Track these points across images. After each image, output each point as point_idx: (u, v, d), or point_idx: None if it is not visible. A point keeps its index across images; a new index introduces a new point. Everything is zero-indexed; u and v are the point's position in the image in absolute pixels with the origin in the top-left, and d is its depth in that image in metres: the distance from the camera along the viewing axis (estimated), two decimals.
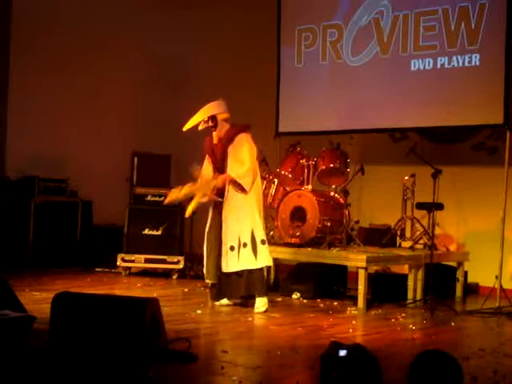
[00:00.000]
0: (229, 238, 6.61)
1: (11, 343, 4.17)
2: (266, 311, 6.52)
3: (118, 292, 7.26)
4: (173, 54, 11.04)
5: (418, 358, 2.94)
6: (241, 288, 6.64)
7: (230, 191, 6.67)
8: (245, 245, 6.56)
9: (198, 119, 6.75)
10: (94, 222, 9.88)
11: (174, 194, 6.67)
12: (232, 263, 6.56)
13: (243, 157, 6.67)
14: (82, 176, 9.74)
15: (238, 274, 6.60)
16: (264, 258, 6.60)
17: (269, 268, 6.99)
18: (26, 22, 9.69)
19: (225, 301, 6.78)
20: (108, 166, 10.09)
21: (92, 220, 9.84)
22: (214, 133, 6.85)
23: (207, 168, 6.85)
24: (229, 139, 6.76)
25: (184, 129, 6.78)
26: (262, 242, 6.62)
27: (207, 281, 6.89)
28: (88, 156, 10.11)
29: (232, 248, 6.57)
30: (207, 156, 6.90)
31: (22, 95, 9.68)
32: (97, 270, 8.96)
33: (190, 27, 11.05)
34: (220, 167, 6.77)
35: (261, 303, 6.57)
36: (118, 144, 10.21)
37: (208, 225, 6.84)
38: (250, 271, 6.57)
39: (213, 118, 6.78)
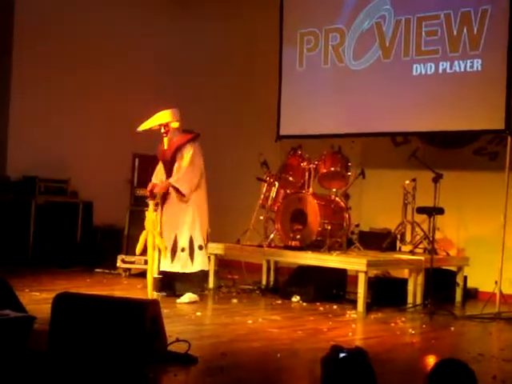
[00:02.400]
0: (165, 239, 7.01)
1: (11, 343, 4.17)
2: (189, 303, 6.91)
3: (118, 293, 7.25)
4: (174, 57, 11.05)
5: (437, 367, 2.94)
6: (176, 286, 7.16)
7: (171, 196, 7.11)
8: (183, 249, 7.05)
9: (151, 124, 7.20)
10: (95, 223, 9.88)
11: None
12: (165, 264, 7.04)
13: (184, 164, 7.09)
14: (83, 177, 9.75)
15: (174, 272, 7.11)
16: (200, 263, 7.10)
17: (206, 272, 7.44)
18: (28, 23, 9.70)
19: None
20: (109, 168, 10.09)
21: (92, 221, 9.84)
22: (165, 139, 7.22)
23: (160, 171, 7.33)
24: (178, 148, 7.17)
25: (139, 129, 7.21)
26: (200, 247, 7.09)
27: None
28: (89, 157, 10.11)
29: (168, 249, 7.03)
30: (161, 164, 7.35)
31: (23, 96, 9.68)
32: (97, 270, 8.96)
33: (191, 30, 11.05)
34: (169, 171, 7.20)
35: (187, 297, 7.01)
36: (119, 145, 10.20)
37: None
38: (184, 273, 7.07)
39: (165, 125, 7.19)
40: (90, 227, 9.75)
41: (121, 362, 4.25)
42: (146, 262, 8.55)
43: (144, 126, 7.18)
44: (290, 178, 7.94)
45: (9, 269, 8.15)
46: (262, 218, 8.09)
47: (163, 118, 7.19)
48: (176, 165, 7.11)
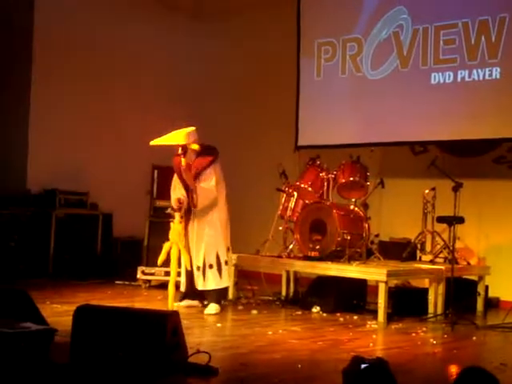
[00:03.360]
0: (195, 257, 7.12)
1: (33, 356, 4.19)
2: (216, 314, 6.99)
3: (138, 305, 7.28)
4: (191, 69, 11.10)
5: (462, 375, 2.92)
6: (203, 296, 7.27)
7: (197, 215, 7.14)
8: (210, 266, 7.12)
9: (167, 141, 7.09)
10: (115, 235, 9.92)
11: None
12: (199, 283, 7.14)
13: (208, 187, 7.10)
14: (103, 189, 9.79)
15: None
16: (227, 277, 7.29)
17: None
18: (48, 38, 9.76)
19: (186, 302, 7.32)
20: (128, 179, 10.13)
21: (112, 233, 9.89)
22: (183, 159, 7.08)
23: (178, 184, 7.23)
24: (198, 172, 7.12)
25: (152, 143, 7.11)
26: (225, 262, 7.21)
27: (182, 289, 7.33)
28: (108, 169, 10.16)
29: (198, 268, 7.11)
30: (176, 176, 7.25)
31: (43, 109, 9.75)
32: (117, 282, 8.98)
33: (206, 41, 11.09)
34: (187, 188, 7.13)
35: (213, 307, 7.07)
36: (139, 157, 10.23)
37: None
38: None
39: (182, 146, 7.08)
40: (109, 239, 9.79)
41: (141, 373, 4.26)
42: (166, 274, 8.61)
43: (158, 142, 7.11)
44: (309, 189, 7.93)
45: (30, 281, 8.20)
46: (281, 228, 8.08)
47: (180, 138, 7.08)
48: (199, 184, 7.07)
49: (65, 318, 5.38)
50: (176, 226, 6.97)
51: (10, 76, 9.86)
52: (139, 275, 8.77)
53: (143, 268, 8.79)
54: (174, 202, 7.14)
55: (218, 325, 6.42)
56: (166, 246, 6.95)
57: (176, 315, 4.60)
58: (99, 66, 10.28)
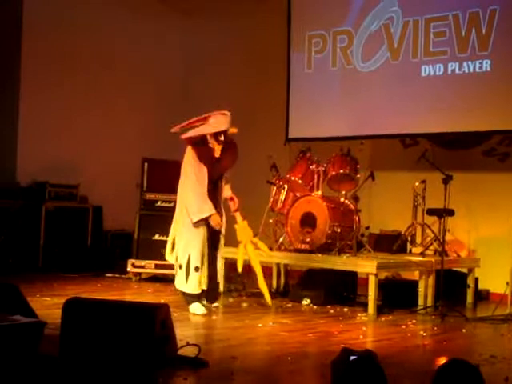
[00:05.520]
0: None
1: (22, 349, 4.18)
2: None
3: (129, 298, 7.26)
4: (183, 61, 11.08)
5: (443, 368, 2.93)
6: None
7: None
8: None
9: (203, 131, 6.67)
10: (105, 228, 9.91)
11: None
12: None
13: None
14: (93, 182, 9.78)
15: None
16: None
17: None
18: (37, 28, 9.74)
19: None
20: (118, 172, 10.11)
21: (102, 226, 9.87)
22: (219, 146, 6.71)
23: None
24: (231, 161, 6.82)
25: (182, 136, 6.78)
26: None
27: (202, 287, 6.77)
28: (98, 162, 10.14)
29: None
30: (203, 166, 6.65)
31: (32, 102, 9.72)
32: (107, 275, 8.96)
33: (198, 32, 11.07)
34: (215, 182, 6.76)
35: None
36: (128, 150, 10.23)
37: (203, 237, 6.70)
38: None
39: (224, 132, 6.69)
40: (100, 232, 9.77)
41: (131, 366, 4.25)
42: (155, 267, 8.61)
43: (190, 134, 6.66)
44: (300, 181, 7.93)
45: (19, 274, 8.18)
46: (271, 221, 8.09)
47: (223, 125, 6.62)
48: (223, 178, 6.87)
49: (54, 311, 5.37)
50: (241, 225, 6.83)
51: (0, 67, 9.81)
52: (129, 268, 8.76)
53: (133, 261, 8.77)
54: (214, 223, 6.59)
55: (210, 317, 6.40)
56: (240, 250, 6.84)
57: (165, 308, 4.59)
58: (90, 57, 10.24)
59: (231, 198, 6.93)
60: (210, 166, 6.67)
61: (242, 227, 6.84)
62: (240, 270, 6.89)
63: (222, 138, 6.65)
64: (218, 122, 6.67)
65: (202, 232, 6.62)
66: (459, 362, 2.94)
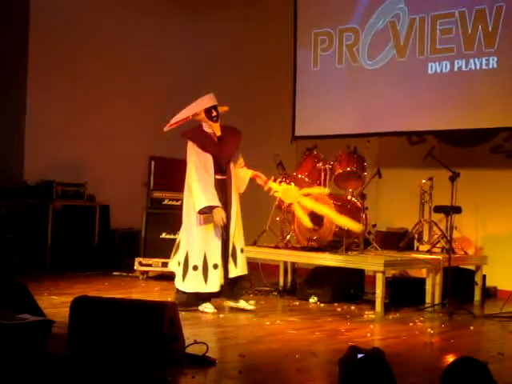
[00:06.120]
0: (238, 241, 6.61)
1: (30, 347, 4.19)
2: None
3: (136, 296, 7.27)
4: (187, 59, 11.08)
5: (452, 365, 2.93)
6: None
7: (237, 197, 6.69)
8: (242, 250, 6.61)
9: (194, 110, 6.56)
10: (112, 226, 9.92)
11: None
12: (232, 270, 6.57)
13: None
14: (100, 180, 9.79)
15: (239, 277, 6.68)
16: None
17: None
18: (45, 27, 9.77)
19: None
20: (125, 171, 10.13)
21: (109, 224, 9.88)
22: (216, 124, 6.57)
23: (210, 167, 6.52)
24: (236, 134, 6.73)
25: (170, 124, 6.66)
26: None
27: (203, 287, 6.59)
28: (105, 160, 10.15)
29: (242, 250, 6.62)
30: (206, 155, 6.54)
31: (39, 100, 9.74)
32: (114, 274, 8.97)
33: (203, 31, 11.07)
34: (225, 164, 6.62)
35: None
36: (135, 148, 10.25)
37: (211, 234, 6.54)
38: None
39: (214, 108, 6.57)
40: (107, 230, 9.79)
41: (139, 364, 4.26)
42: (162, 265, 8.62)
43: (182, 115, 6.58)
44: (306, 179, 7.92)
45: (27, 273, 8.20)
46: (278, 219, 8.09)
47: (209, 101, 6.56)
48: (235, 157, 6.71)
49: (62, 310, 5.39)
50: (282, 189, 6.65)
51: (7, 66, 9.84)
52: (136, 266, 8.77)
53: (140, 259, 8.78)
54: (218, 219, 6.37)
55: (218, 315, 6.41)
56: (297, 210, 6.64)
57: (173, 306, 4.60)
58: (99, 56, 10.26)
59: (254, 176, 6.76)
60: (216, 150, 6.58)
61: (284, 190, 6.68)
62: (310, 224, 6.83)
63: (215, 113, 6.57)
64: (202, 101, 6.66)
65: (209, 228, 6.50)
66: (468, 360, 2.94)
